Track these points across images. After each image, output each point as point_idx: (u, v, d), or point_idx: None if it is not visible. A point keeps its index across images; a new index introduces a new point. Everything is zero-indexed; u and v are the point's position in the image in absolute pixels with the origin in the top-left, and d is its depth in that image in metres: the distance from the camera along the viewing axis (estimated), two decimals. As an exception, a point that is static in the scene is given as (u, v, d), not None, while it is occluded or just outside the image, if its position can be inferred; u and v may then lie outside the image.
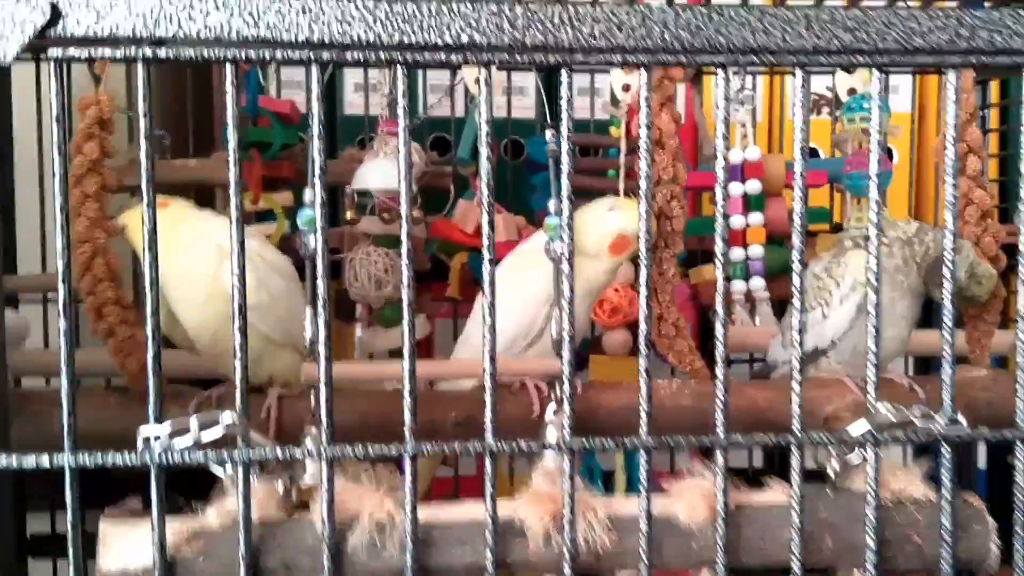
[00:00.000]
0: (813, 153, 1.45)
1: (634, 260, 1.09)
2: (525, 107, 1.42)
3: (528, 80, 1.40)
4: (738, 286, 1.14)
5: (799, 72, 0.47)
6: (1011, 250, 1.00)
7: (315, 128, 0.46)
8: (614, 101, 1.15)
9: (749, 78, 1.33)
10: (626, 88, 1.14)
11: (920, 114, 1.46)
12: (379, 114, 1.10)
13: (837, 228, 1.24)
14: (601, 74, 1.31)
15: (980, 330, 0.93)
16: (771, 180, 1.16)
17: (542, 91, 0.84)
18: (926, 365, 1.44)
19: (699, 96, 1.26)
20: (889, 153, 1.39)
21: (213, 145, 1.27)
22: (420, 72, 1.34)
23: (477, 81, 1.08)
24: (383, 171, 1.02)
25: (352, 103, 1.41)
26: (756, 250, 1.13)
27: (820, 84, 1.33)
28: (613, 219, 0.86)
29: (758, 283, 1.13)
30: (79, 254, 0.78)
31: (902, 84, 1.44)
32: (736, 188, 1.13)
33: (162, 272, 0.79)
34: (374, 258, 1.08)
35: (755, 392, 0.87)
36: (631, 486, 1.19)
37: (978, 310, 0.92)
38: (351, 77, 1.40)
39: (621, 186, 1.14)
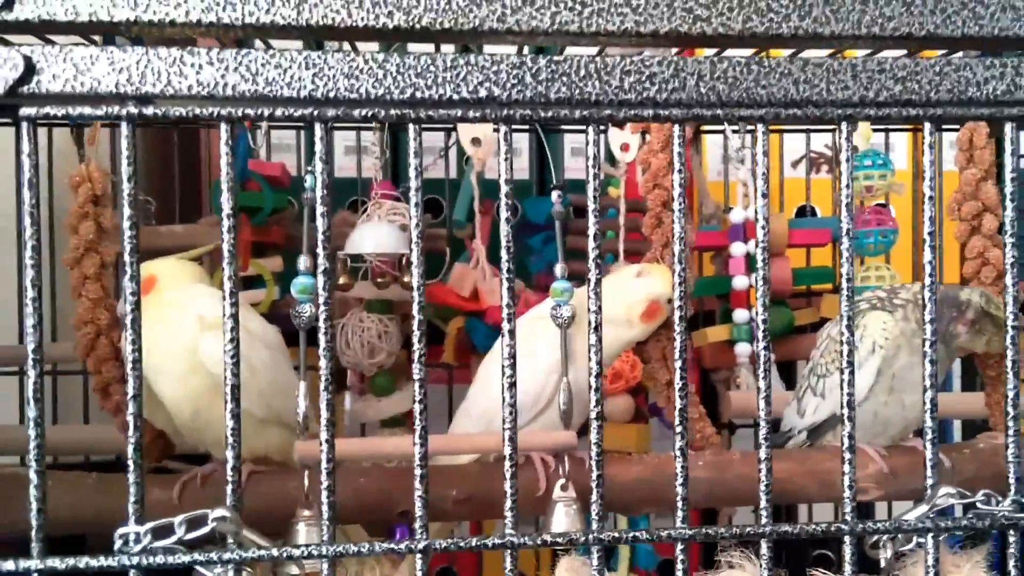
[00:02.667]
0: (812, 212, 1.42)
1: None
2: (519, 168, 1.40)
3: (522, 140, 1.37)
4: (743, 348, 1.10)
5: (845, 126, 0.44)
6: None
7: (319, 192, 0.42)
8: (612, 161, 1.13)
9: (748, 136, 1.32)
10: (625, 147, 1.11)
11: (918, 172, 1.44)
12: (372, 176, 1.07)
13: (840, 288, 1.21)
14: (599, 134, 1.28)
15: (1000, 392, 0.89)
16: (773, 239, 1.13)
17: (545, 145, 0.80)
18: (975, 428, 1.39)
19: (698, 156, 1.23)
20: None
21: (200, 211, 1.24)
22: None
23: (473, 141, 1.06)
24: (377, 235, 0.98)
25: (343, 166, 1.38)
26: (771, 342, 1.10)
27: (819, 142, 1.31)
28: (643, 285, 0.82)
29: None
30: (82, 336, 0.78)
31: (898, 142, 1.42)
32: (738, 248, 1.11)
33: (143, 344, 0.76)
34: (367, 324, 1.05)
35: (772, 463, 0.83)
36: (635, 559, 1.14)
37: (998, 371, 0.88)
38: (342, 139, 1.37)
39: (621, 247, 1.11)
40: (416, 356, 0.42)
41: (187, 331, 0.73)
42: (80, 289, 0.78)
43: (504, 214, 0.42)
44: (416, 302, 0.42)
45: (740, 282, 1.09)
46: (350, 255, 1.01)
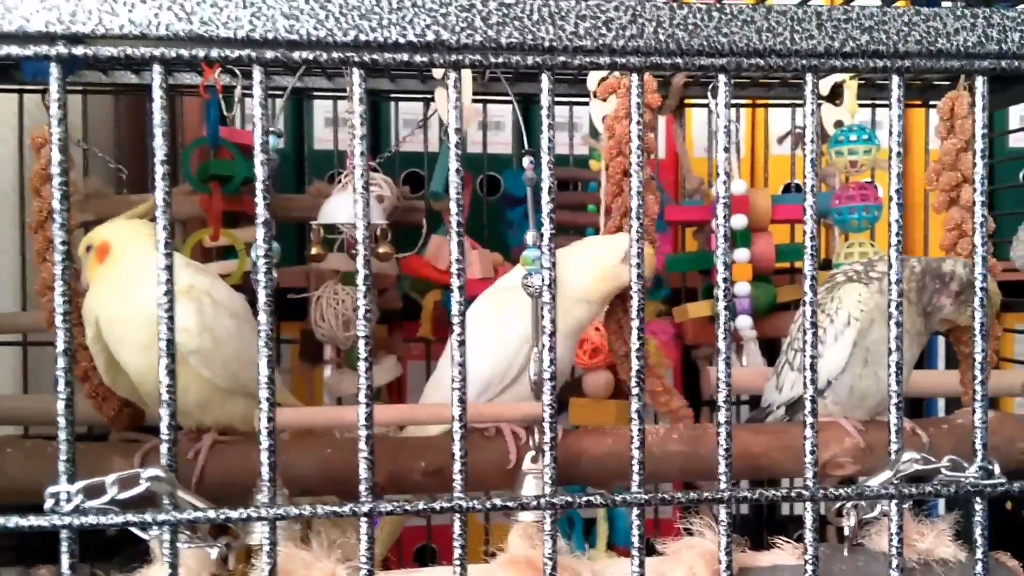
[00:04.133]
0: (797, 190, 1.41)
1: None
2: (501, 142, 1.38)
3: (505, 114, 1.36)
4: (724, 325, 1.09)
5: (810, 77, 0.42)
6: (1008, 288, 0.95)
7: (258, 139, 0.40)
8: (594, 133, 1.11)
9: (732, 111, 1.30)
10: (606, 119, 1.09)
11: (904, 149, 1.43)
12: (348, 148, 1.05)
13: (825, 264, 1.20)
14: (580, 107, 1.27)
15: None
16: (757, 215, 1.12)
17: (520, 120, 0.78)
18: (917, 407, 1.39)
19: (681, 129, 1.21)
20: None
21: (175, 180, 1.22)
22: (392, 104, 1.29)
23: (451, 110, 1.04)
24: (351, 204, 0.96)
25: (321, 138, 1.36)
26: (742, 287, 1.09)
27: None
28: (625, 272, 0.80)
29: (745, 322, 1.09)
30: (46, 301, 0.76)
31: (885, 119, 1.41)
32: (721, 223, 1.09)
33: (103, 313, 0.74)
34: (342, 297, 1.03)
35: (749, 437, 0.82)
36: (614, 537, 1.13)
37: (972, 348, 0.87)
38: (320, 111, 1.35)
39: (602, 220, 1.09)
40: (361, 311, 0.41)
41: (148, 301, 0.71)
42: (44, 253, 0.76)
43: (454, 165, 0.41)
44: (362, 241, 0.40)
45: (723, 257, 1.08)
46: (324, 226, 0.99)
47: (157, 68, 0.38)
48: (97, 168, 1.19)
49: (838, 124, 1.12)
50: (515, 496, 0.45)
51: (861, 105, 1.16)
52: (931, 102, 1.26)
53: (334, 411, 0.78)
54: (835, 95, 1.12)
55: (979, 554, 0.44)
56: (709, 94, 1.11)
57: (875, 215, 1.10)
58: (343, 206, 0.97)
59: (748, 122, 1.42)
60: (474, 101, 1.10)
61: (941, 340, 1.38)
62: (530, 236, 0.76)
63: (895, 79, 0.41)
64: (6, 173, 1.16)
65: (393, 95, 1.21)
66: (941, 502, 1.26)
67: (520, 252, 1.12)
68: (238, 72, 1.02)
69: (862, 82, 1.13)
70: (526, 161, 0.76)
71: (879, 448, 0.81)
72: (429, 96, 1.17)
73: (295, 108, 1.34)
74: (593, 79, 1.01)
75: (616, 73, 0.87)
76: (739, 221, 1.08)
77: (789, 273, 1.22)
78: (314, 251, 1.00)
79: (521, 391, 0.80)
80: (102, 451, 0.77)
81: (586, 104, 1.06)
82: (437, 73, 1.02)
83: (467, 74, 0.89)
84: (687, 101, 1.22)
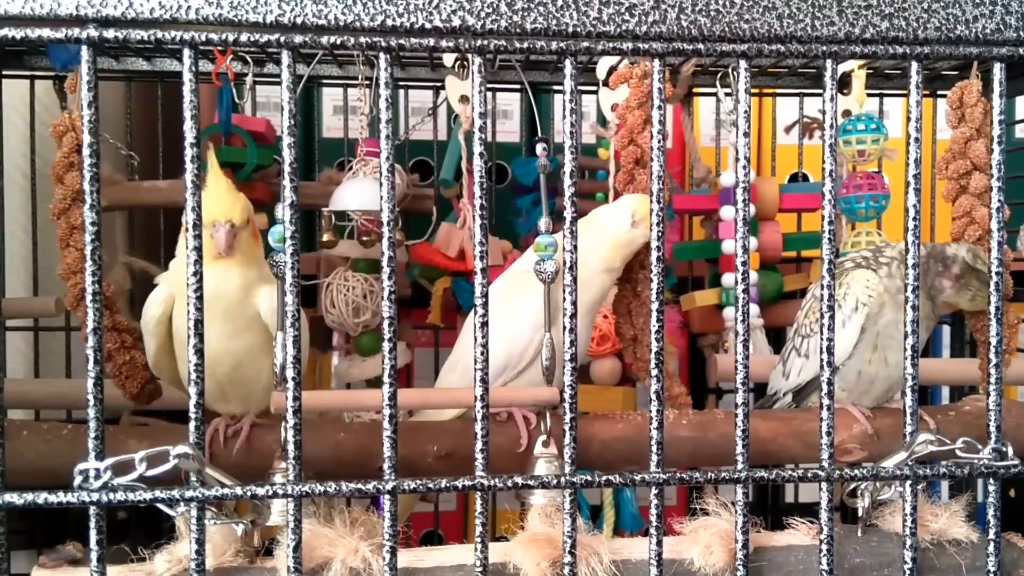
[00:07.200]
0: (804, 180, 1.41)
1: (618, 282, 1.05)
2: (509, 131, 1.38)
3: (512, 103, 1.36)
4: (730, 313, 1.10)
5: (829, 63, 0.43)
6: (1015, 278, 0.96)
7: (286, 122, 0.40)
8: (602, 122, 1.11)
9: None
10: (615, 108, 1.09)
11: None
12: (358, 136, 1.06)
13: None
14: (588, 95, 1.27)
15: (991, 357, 0.88)
16: (764, 203, 1.13)
17: (533, 107, 0.79)
18: (922, 396, 1.40)
19: (689, 118, 1.22)
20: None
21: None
22: (401, 92, 1.29)
23: (462, 99, 1.04)
24: (363, 191, 0.96)
25: (331, 126, 1.36)
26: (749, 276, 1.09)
27: (812, 107, 1.30)
28: (641, 234, 0.80)
29: (751, 310, 1.09)
30: (72, 285, 0.77)
31: (893, 109, 1.41)
32: (728, 211, 1.10)
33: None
34: (352, 283, 1.04)
35: (758, 423, 0.82)
36: (620, 523, 1.14)
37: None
38: (330, 99, 1.35)
39: (610, 209, 1.09)
40: (386, 291, 0.41)
41: (258, 323, 0.73)
42: (68, 239, 0.77)
43: (477, 148, 0.41)
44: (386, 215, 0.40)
45: (730, 246, 1.08)
46: (335, 212, 0.99)
47: (187, 52, 0.39)
48: (107, 155, 1.19)
49: (846, 113, 1.12)
50: (535, 475, 0.45)
51: (869, 95, 1.16)
52: (939, 92, 1.26)
53: (351, 395, 0.79)
54: (843, 84, 1.12)
55: (991, 534, 0.44)
56: (718, 83, 1.11)
57: (882, 204, 1.11)
58: (354, 193, 0.97)
59: (756, 111, 1.42)
60: (495, 55, 1.10)
61: (947, 329, 1.38)
62: (542, 222, 0.76)
63: (914, 65, 0.42)
64: (17, 160, 1.17)
65: (402, 83, 1.22)
66: (945, 487, 1.27)
67: (528, 240, 1.13)
68: (250, 60, 1.02)
69: (870, 71, 1.13)
70: (539, 148, 0.76)
71: (887, 435, 0.82)
72: (439, 84, 1.17)
73: (304, 96, 1.34)
74: (602, 67, 1.01)
75: (625, 62, 0.87)
76: (746, 209, 1.08)
77: (795, 262, 1.23)
78: (325, 238, 1.01)
79: (533, 376, 0.80)
80: (117, 434, 0.77)
81: (594, 92, 1.06)
82: (447, 61, 1.02)
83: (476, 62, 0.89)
84: (695, 90, 1.22)
